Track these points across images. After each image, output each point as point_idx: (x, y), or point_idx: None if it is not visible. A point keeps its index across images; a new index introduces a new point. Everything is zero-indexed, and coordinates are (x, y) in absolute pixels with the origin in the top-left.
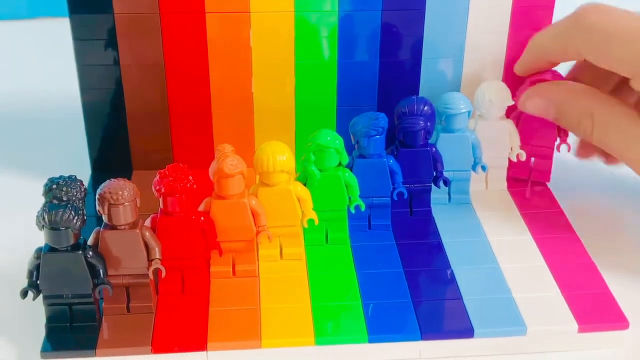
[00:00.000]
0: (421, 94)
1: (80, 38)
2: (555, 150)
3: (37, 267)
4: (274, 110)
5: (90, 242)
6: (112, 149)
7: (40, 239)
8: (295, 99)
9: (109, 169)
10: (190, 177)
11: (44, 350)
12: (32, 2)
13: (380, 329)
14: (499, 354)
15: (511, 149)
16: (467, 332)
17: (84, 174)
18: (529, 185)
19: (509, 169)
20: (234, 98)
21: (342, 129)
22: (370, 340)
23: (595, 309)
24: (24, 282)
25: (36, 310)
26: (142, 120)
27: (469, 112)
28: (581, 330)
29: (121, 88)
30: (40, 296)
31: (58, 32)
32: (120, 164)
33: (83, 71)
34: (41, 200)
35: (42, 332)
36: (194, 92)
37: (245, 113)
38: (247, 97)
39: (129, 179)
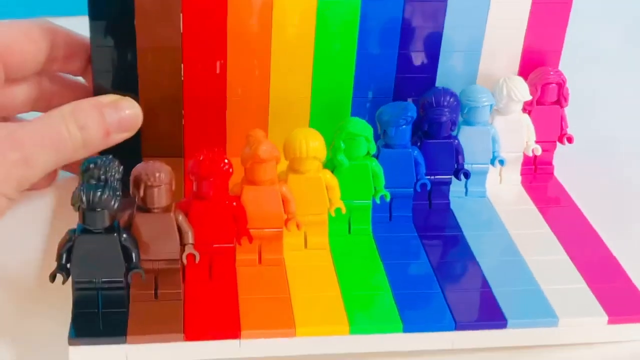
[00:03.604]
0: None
1: (96, 18)
2: (558, 142)
3: (69, 250)
4: (289, 99)
5: (121, 224)
6: None
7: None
8: (312, 87)
9: (117, 155)
10: (226, 160)
11: (71, 337)
12: (31, 1)
13: (415, 319)
14: (531, 345)
15: (527, 143)
16: (500, 322)
17: None
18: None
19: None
20: (251, 86)
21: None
22: (405, 330)
23: (621, 301)
24: (49, 269)
25: (64, 295)
26: (155, 107)
27: (491, 105)
28: (611, 321)
29: (135, 71)
30: (69, 280)
31: None
32: (129, 150)
33: (97, 53)
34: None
35: (63, 318)
36: (210, 79)
37: (260, 101)
38: (264, 85)
39: None
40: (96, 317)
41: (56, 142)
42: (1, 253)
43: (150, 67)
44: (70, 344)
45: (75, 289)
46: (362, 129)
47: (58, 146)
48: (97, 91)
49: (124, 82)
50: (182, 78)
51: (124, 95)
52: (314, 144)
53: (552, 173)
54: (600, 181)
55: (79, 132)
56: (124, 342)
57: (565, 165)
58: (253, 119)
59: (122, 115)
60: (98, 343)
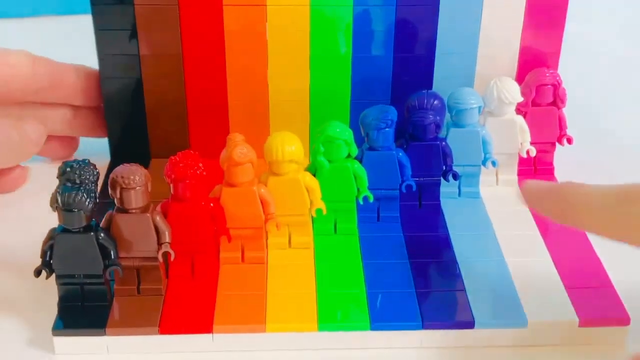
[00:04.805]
0: (434, 89)
1: (101, 28)
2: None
3: (51, 247)
4: (289, 102)
5: (102, 224)
6: (131, 137)
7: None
8: (310, 91)
9: (128, 157)
10: (200, 164)
11: (55, 328)
12: (35, 0)
13: (383, 317)
14: (500, 345)
15: (521, 144)
16: (468, 323)
17: (104, 161)
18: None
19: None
20: (250, 89)
21: (356, 122)
22: (373, 328)
23: (597, 305)
24: (38, 262)
25: (50, 290)
26: (161, 110)
27: (479, 107)
28: (582, 324)
29: (140, 78)
30: (54, 276)
31: (62, 30)
32: (139, 152)
33: (104, 61)
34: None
35: (54, 311)
36: (211, 83)
37: (260, 105)
38: (262, 89)
39: (147, 166)
40: (79, 310)
41: (7, 144)
42: (14, 235)
43: (154, 73)
44: (54, 334)
45: (59, 284)
46: (341, 132)
47: (9, 148)
48: (106, 97)
49: (129, 88)
50: (184, 83)
51: (131, 99)
52: (289, 148)
53: (552, 174)
54: (601, 182)
55: (19, 138)
56: (103, 334)
57: (567, 166)
58: (255, 122)
59: (35, 131)
60: (79, 334)
